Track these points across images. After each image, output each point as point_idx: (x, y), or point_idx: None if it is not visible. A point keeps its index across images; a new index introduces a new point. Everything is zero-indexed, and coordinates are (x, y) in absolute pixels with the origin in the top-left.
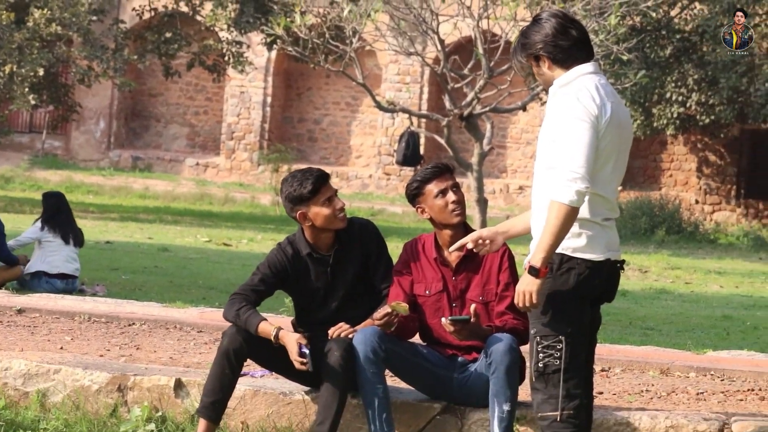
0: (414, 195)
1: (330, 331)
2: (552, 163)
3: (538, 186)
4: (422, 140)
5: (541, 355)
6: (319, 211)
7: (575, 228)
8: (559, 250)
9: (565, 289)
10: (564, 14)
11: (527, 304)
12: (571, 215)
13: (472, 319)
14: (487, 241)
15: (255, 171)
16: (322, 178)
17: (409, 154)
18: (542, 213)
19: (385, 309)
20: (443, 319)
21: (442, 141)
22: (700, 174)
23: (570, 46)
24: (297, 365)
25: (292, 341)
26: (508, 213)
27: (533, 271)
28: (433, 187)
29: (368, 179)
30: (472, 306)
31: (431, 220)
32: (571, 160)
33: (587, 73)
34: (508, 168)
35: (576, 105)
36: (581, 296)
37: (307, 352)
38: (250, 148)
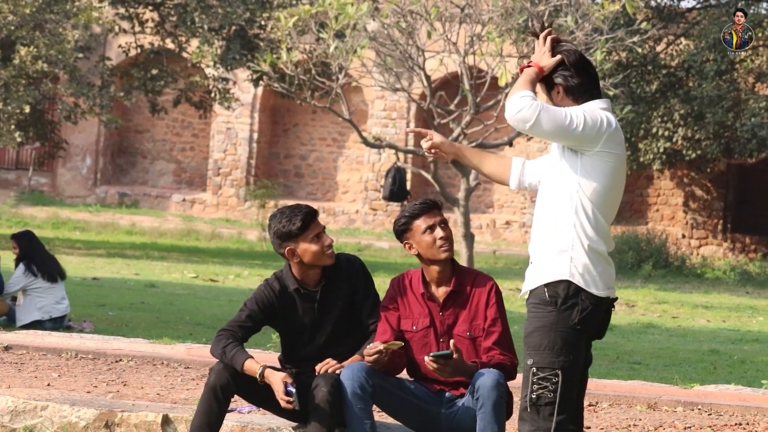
0: (402, 231)
1: (317, 367)
2: (558, 181)
3: (543, 205)
4: (409, 176)
5: (535, 386)
6: (307, 248)
7: (588, 259)
8: (570, 279)
9: (567, 324)
10: (581, 53)
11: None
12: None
13: (454, 355)
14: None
15: (242, 207)
16: (311, 215)
17: (396, 190)
18: (544, 233)
19: (376, 346)
20: (426, 357)
21: (428, 176)
22: (686, 208)
23: (585, 82)
24: (283, 404)
25: (278, 380)
26: (495, 248)
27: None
28: (421, 223)
29: (355, 215)
30: (452, 341)
31: (419, 255)
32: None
33: (600, 107)
34: (494, 203)
35: (578, 108)
36: (581, 331)
37: (293, 390)
38: (237, 184)
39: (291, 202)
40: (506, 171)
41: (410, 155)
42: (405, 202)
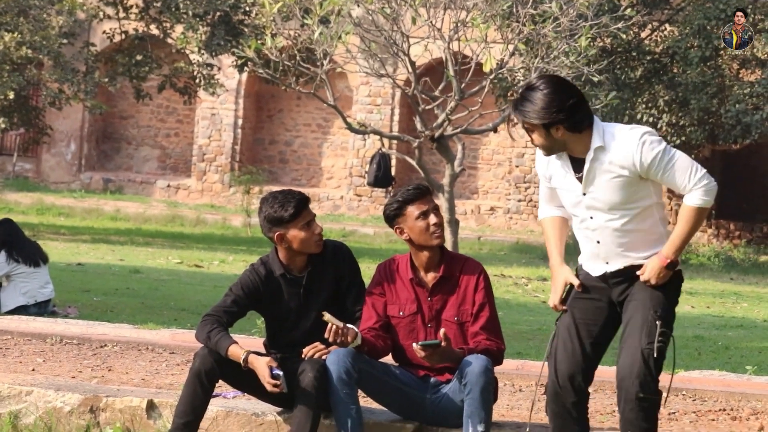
0: (394, 215)
1: (305, 350)
2: (635, 202)
3: (624, 222)
4: (393, 162)
5: (660, 338)
6: (297, 235)
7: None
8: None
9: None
10: (561, 79)
11: (654, 280)
12: (705, 214)
13: (442, 344)
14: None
15: (226, 193)
16: (304, 202)
17: (381, 176)
18: (637, 236)
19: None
20: (414, 345)
21: (413, 162)
22: (671, 194)
23: (581, 107)
24: (269, 388)
25: (262, 365)
26: (480, 234)
27: (671, 265)
28: (414, 209)
29: (339, 200)
30: (442, 330)
31: (409, 241)
32: (689, 173)
33: (619, 126)
34: (479, 189)
35: (656, 139)
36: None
37: (280, 373)
38: (222, 169)
39: (276, 188)
40: (565, 225)
41: (395, 141)
42: (390, 188)
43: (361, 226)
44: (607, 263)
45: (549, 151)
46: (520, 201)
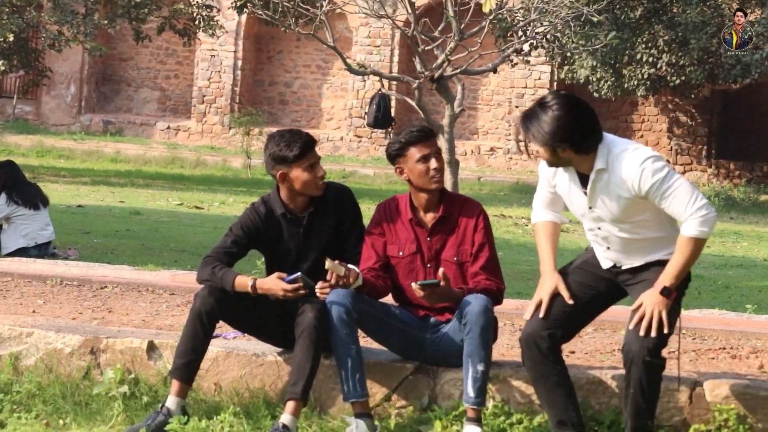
0: (395, 155)
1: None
2: (645, 214)
3: (635, 231)
4: (393, 102)
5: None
6: (300, 175)
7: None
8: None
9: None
10: (576, 100)
11: (655, 323)
12: (701, 245)
13: (441, 283)
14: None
15: (226, 134)
16: (310, 144)
17: (380, 117)
18: (649, 243)
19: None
20: (413, 284)
21: (412, 103)
22: (670, 135)
23: (590, 134)
24: (294, 295)
25: (273, 282)
26: (479, 174)
27: (666, 291)
28: (416, 151)
29: (339, 142)
30: (441, 270)
31: (409, 181)
32: (687, 202)
33: (624, 147)
34: (479, 130)
35: (658, 165)
36: None
37: (298, 275)
38: (221, 111)
39: (275, 130)
40: (558, 231)
41: (394, 82)
42: (389, 129)
43: (361, 167)
44: (618, 262)
45: (554, 166)
46: (520, 141)
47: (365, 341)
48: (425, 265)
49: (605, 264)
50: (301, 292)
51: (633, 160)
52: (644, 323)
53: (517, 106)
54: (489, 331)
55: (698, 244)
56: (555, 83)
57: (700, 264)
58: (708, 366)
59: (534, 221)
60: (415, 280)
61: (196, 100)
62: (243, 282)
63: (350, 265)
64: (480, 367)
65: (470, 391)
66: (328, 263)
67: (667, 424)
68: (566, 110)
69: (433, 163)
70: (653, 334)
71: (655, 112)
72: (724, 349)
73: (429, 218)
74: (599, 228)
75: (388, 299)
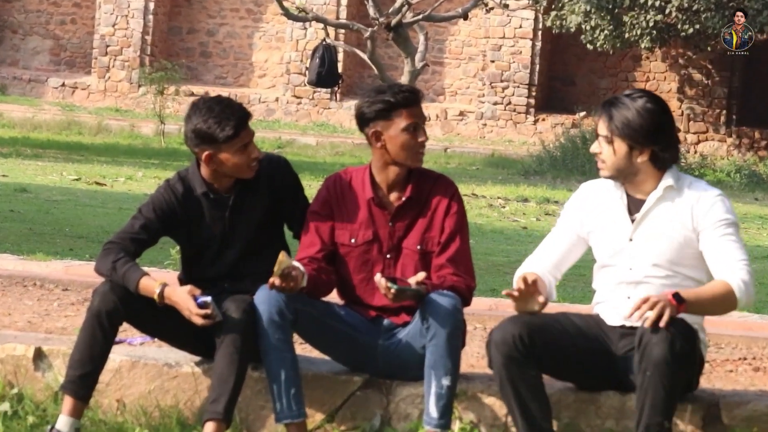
0: (375, 116)
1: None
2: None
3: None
4: (340, 56)
5: None
6: (229, 158)
7: None
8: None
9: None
10: (666, 103)
11: (654, 314)
12: (732, 303)
13: (423, 290)
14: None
15: (134, 94)
16: (244, 120)
17: (325, 73)
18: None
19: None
20: (378, 276)
21: (364, 56)
22: (682, 96)
23: (675, 145)
24: (199, 321)
25: (183, 296)
26: (446, 144)
27: (679, 297)
28: (404, 118)
29: (274, 103)
30: (422, 274)
31: (382, 150)
32: (739, 250)
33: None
34: (445, 90)
35: (733, 212)
36: None
37: (208, 299)
38: (129, 65)
39: (196, 89)
40: (543, 286)
41: (342, 31)
42: (336, 89)
43: (301, 134)
44: (631, 322)
45: (615, 174)
46: (495, 104)
47: (303, 349)
48: (384, 255)
49: (614, 321)
50: (211, 320)
51: (710, 189)
52: (646, 309)
53: (492, 61)
54: (457, 337)
55: (729, 299)
56: (540, 32)
57: None
58: (724, 381)
59: (521, 270)
60: (371, 273)
61: (98, 51)
62: (149, 286)
63: (296, 263)
64: (445, 382)
65: (433, 411)
66: (282, 257)
67: None
68: (659, 106)
69: (421, 136)
70: (662, 324)
71: (662, 69)
72: (745, 359)
73: (393, 198)
74: (630, 269)
75: (332, 297)
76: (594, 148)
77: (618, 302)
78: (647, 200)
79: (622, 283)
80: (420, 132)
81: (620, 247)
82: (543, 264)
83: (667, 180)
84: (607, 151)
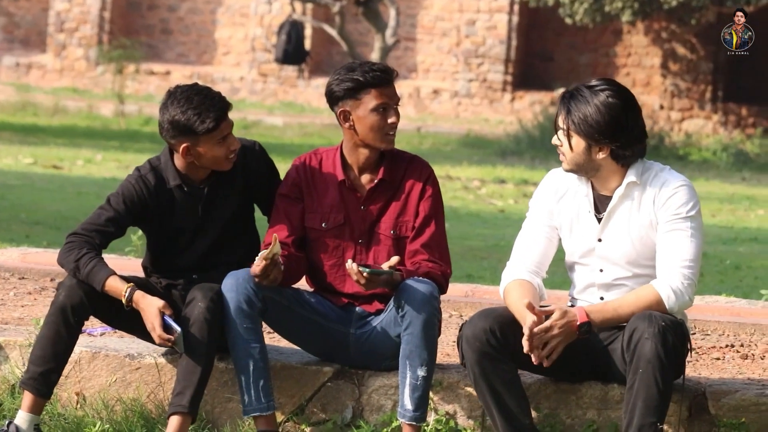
0: (343, 95)
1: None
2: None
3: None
4: (308, 32)
5: None
6: (208, 151)
7: None
8: None
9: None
10: (631, 94)
11: (545, 354)
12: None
13: (396, 274)
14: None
15: (92, 73)
16: (225, 111)
17: (291, 50)
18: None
19: (260, 257)
20: (349, 263)
21: (333, 32)
22: (665, 72)
23: (639, 141)
24: (158, 341)
25: (153, 310)
26: (420, 124)
27: (586, 328)
28: (373, 97)
29: (239, 82)
30: (395, 258)
31: (352, 130)
32: (687, 255)
33: (663, 167)
34: (418, 66)
35: (694, 202)
36: None
37: (178, 329)
38: (86, 43)
39: (157, 67)
40: (537, 295)
41: (309, 5)
42: (303, 66)
43: (268, 114)
44: None
45: (575, 168)
46: (471, 81)
47: (271, 338)
48: (356, 241)
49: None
50: (169, 345)
51: (672, 179)
52: (537, 347)
53: (467, 36)
54: (434, 326)
55: (656, 308)
56: (516, 6)
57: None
58: (712, 369)
59: (505, 282)
60: (342, 258)
61: (54, 28)
62: (116, 288)
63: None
64: (421, 372)
65: (407, 403)
66: (276, 244)
67: None
68: (622, 101)
69: (392, 117)
70: (545, 364)
71: (645, 43)
72: (733, 347)
73: (365, 180)
74: (601, 271)
75: (301, 284)
76: (554, 140)
77: (592, 303)
78: (612, 198)
79: (594, 285)
80: (390, 113)
81: (589, 246)
82: (525, 267)
83: (630, 176)
84: (566, 146)
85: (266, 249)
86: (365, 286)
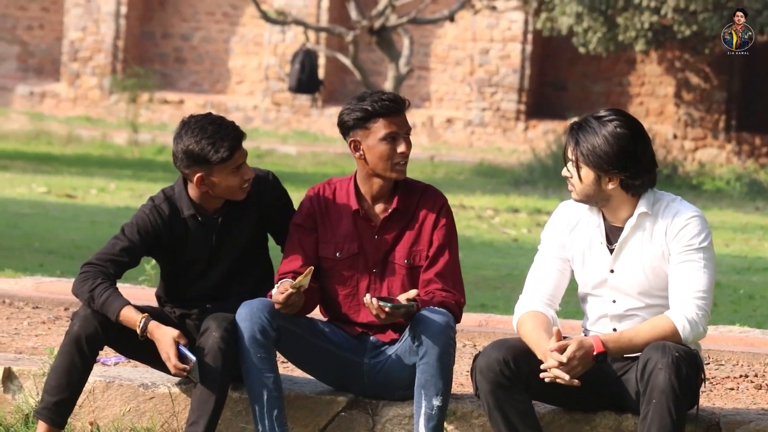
0: (353, 125)
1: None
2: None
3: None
4: (321, 61)
5: None
6: (222, 180)
7: None
8: None
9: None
10: (639, 124)
11: (565, 377)
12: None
13: (414, 307)
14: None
15: (106, 102)
16: (239, 140)
17: (305, 79)
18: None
19: (285, 286)
20: (368, 297)
21: (347, 61)
22: (678, 101)
23: (649, 170)
24: (173, 371)
25: (168, 340)
26: (433, 153)
27: (602, 358)
28: (382, 126)
29: (253, 111)
30: (413, 291)
31: (362, 160)
32: (700, 287)
33: (674, 198)
34: (432, 96)
35: (706, 233)
36: None
37: (193, 358)
38: (100, 72)
39: (171, 95)
40: (551, 327)
41: (323, 34)
42: (317, 95)
43: (281, 143)
44: None
45: (585, 199)
46: (484, 110)
47: (285, 368)
48: (370, 270)
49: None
50: (184, 375)
51: (684, 210)
52: (556, 370)
53: (480, 65)
54: (449, 355)
55: (673, 339)
56: (530, 35)
57: (716, 267)
58: (726, 399)
59: (519, 315)
60: (356, 287)
61: (67, 57)
62: (131, 319)
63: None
64: (436, 402)
65: None
66: (308, 275)
67: None
68: (631, 130)
69: (401, 146)
70: (577, 383)
71: (658, 72)
72: (747, 377)
73: (379, 210)
74: (614, 301)
75: (315, 313)
76: (564, 172)
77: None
78: (624, 229)
79: (606, 316)
80: (399, 142)
81: (602, 278)
82: (539, 300)
83: (641, 207)
84: (575, 177)
85: (295, 277)
86: (385, 320)
